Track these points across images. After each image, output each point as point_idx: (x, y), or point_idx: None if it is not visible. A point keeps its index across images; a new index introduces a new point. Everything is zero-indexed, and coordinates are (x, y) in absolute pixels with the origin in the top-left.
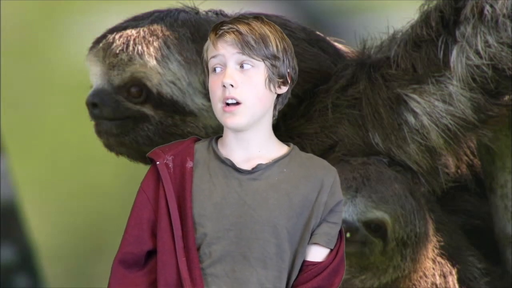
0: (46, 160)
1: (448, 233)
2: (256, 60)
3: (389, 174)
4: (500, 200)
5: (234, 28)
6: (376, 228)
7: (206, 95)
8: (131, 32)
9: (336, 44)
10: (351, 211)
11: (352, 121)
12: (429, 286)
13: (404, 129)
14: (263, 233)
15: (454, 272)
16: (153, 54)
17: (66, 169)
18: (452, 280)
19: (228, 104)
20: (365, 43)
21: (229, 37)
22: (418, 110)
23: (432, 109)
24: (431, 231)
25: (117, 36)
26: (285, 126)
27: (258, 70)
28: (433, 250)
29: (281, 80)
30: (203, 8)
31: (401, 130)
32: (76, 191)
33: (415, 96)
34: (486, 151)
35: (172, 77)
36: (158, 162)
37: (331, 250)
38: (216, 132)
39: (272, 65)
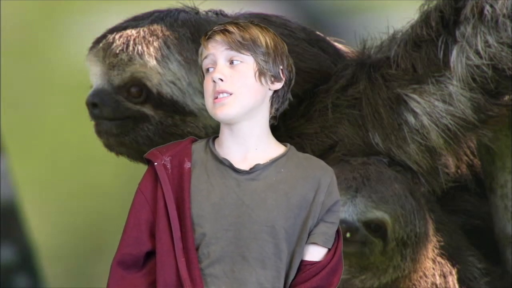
0: (46, 160)
1: (448, 233)
2: (245, 55)
3: (389, 174)
4: (500, 200)
5: (222, 28)
6: (376, 228)
7: None
8: (131, 32)
9: (336, 44)
10: (351, 211)
11: (352, 121)
12: (429, 286)
13: (404, 129)
14: (261, 233)
15: (454, 272)
16: (153, 54)
17: (66, 169)
18: (452, 280)
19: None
20: (365, 43)
21: (218, 37)
22: (418, 110)
23: (432, 109)
24: (431, 231)
25: (117, 36)
26: (285, 126)
27: (248, 65)
28: (433, 250)
29: (272, 75)
30: (203, 8)
31: (401, 130)
32: (76, 191)
33: (415, 96)
34: (486, 151)
35: (172, 77)
36: (156, 163)
37: (329, 249)
38: (216, 132)
39: (262, 60)
